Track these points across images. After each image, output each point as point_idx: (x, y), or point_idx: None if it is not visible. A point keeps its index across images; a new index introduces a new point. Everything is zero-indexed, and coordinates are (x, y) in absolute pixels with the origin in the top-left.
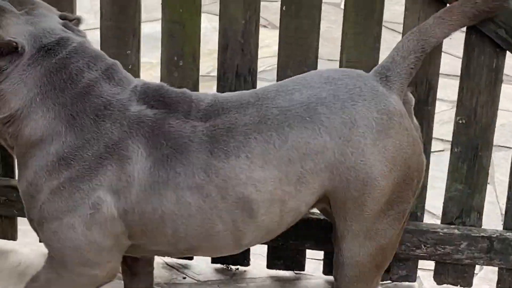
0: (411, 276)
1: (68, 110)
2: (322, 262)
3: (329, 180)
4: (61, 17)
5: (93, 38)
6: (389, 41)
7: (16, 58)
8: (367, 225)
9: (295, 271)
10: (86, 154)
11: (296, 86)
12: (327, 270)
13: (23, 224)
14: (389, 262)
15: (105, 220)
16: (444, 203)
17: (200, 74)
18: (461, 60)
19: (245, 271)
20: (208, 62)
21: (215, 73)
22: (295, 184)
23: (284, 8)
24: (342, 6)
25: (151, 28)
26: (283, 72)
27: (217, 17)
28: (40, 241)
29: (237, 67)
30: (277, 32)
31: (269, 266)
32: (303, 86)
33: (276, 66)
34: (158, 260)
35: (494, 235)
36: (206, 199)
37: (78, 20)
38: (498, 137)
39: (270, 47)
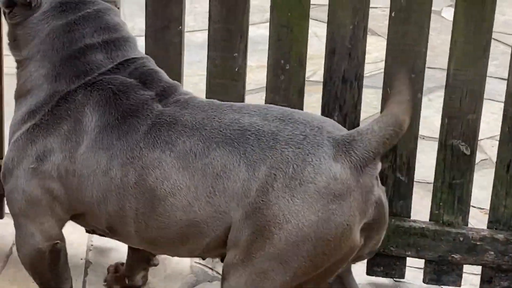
0: None
1: (55, 71)
2: (422, 270)
3: (233, 210)
4: None
5: (193, 41)
6: (492, 51)
7: (32, 9)
8: (252, 272)
9: (395, 279)
10: (48, 109)
11: (251, 111)
12: (427, 279)
13: None
14: None
15: (45, 177)
16: None
17: None
18: None
19: None
20: (308, 67)
21: (314, 78)
22: (202, 200)
23: (393, 14)
24: (443, 14)
25: (251, 31)
26: (389, 78)
27: (318, 22)
28: None
29: (344, 72)
30: (377, 38)
31: (369, 272)
32: (256, 114)
33: (376, 72)
34: None
35: None
36: (124, 178)
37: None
38: None
39: (370, 53)
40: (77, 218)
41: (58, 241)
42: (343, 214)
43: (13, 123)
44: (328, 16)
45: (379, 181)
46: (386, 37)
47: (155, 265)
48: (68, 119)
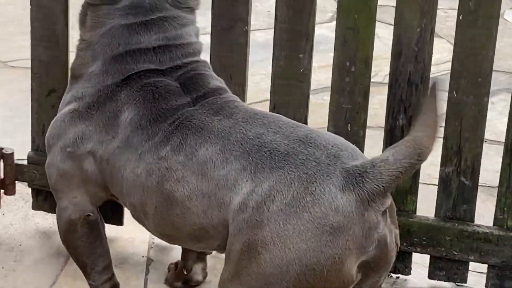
0: None
1: (105, 67)
2: (485, 275)
3: (231, 220)
4: None
5: (255, 40)
6: None
7: (114, 2)
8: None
9: (457, 283)
10: (93, 100)
11: (281, 127)
12: (490, 284)
13: None
14: None
15: (80, 159)
16: None
17: None
18: None
19: (405, 280)
20: None
21: (376, 79)
22: (216, 208)
23: (460, 17)
24: (506, 17)
25: None
26: (456, 82)
27: (379, 23)
28: None
29: (410, 75)
30: (439, 40)
31: (431, 276)
32: (282, 132)
33: (438, 74)
34: None
35: None
36: (148, 177)
37: None
38: None
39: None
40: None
41: (90, 213)
42: (336, 247)
43: (62, 101)
44: (395, 18)
45: (389, 219)
46: (448, 39)
47: (210, 253)
48: (108, 114)
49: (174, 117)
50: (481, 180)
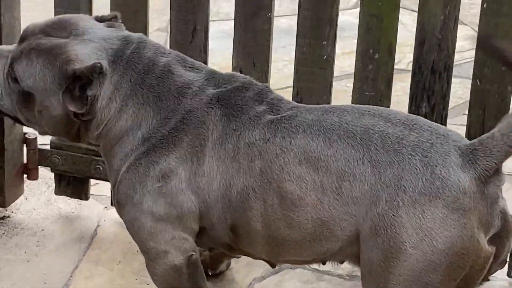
0: None
1: (155, 91)
2: (507, 264)
3: (362, 217)
4: (100, 20)
5: (278, 26)
6: None
7: (102, 78)
8: None
9: None
10: (164, 129)
11: (372, 111)
12: None
13: None
14: None
15: (172, 193)
16: None
17: None
18: None
19: None
20: None
21: (398, 66)
22: (329, 197)
23: (485, 5)
24: None
25: None
26: (479, 70)
27: (403, 10)
28: None
29: (433, 63)
30: (463, 27)
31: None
32: (378, 115)
33: (462, 61)
34: None
35: None
36: (253, 175)
37: (116, 17)
38: None
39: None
40: (199, 234)
41: (193, 253)
42: (472, 228)
43: (114, 164)
44: (418, 5)
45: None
46: (472, 26)
47: (238, 256)
48: (188, 128)
49: (263, 123)
50: (504, 169)
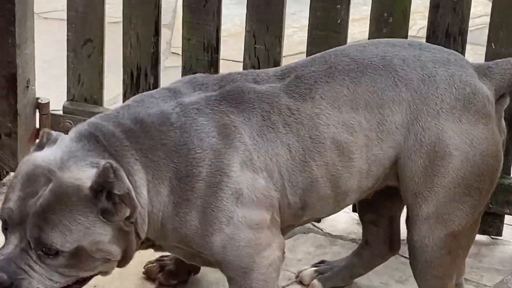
0: None
1: (153, 146)
2: None
3: (403, 137)
4: (41, 147)
5: None
6: None
7: (118, 172)
8: (439, 206)
9: (492, 236)
10: (203, 168)
11: (372, 43)
12: None
13: None
14: (467, 252)
15: (251, 199)
16: None
17: None
18: None
19: None
20: None
21: (410, 33)
22: (376, 131)
23: None
24: None
25: None
26: (494, 34)
27: None
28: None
29: (448, 27)
30: None
31: None
32: (380, 43)
33: (473, 28)
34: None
35: None
36: (298, 138)
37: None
38: None
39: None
40: None
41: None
42: (497, 133)
43: (187, 229)
44: None
45: None
46: None
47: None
48: (223, 141)
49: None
50: None
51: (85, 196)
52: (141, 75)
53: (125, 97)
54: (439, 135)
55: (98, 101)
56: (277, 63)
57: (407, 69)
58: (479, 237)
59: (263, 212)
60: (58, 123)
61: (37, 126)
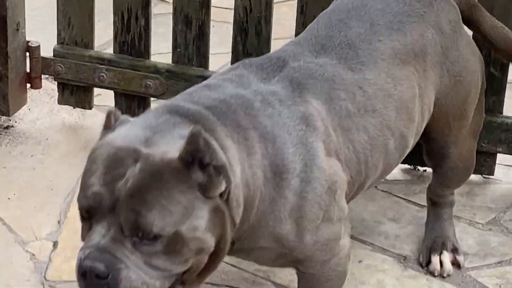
0: None
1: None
2: None
3: (440, 78)
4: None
5: None
6: None
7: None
8: (468, 125)
9: (484, 175)
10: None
11: (352, 10)
12: None
13: None
14: None
15: (342, 191)
16: None
17: None
18: None
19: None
20: None
21: None
22: (423, 78)
23: None
24: None
25: None
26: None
27: None
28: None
29: None
30: None
31: None
32: (361, 4)
33: None
34: None
35: None
36: (374, 114)
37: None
38: None
39: None
40: None
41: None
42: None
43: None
44: None
45: None
46: None
47: None
48: (314, 140)
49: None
50: (510, 75)
51: (176, 169)
52: (131, 17)
53: (116, 40)
54: (464, 64)
55: (89, 45)
56: (268, 3)
57: (427, 11)
58: (471, 177)
59: (345, 203)
60: (48, 66)
61: (28, 70)
